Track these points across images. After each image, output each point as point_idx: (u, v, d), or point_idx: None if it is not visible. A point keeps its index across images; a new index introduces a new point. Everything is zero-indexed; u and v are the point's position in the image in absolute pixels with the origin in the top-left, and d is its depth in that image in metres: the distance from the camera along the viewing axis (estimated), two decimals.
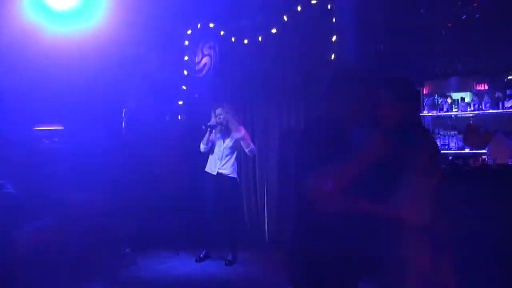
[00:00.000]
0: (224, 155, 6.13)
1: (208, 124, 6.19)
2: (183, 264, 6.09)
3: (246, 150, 6.20)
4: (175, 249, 6.66)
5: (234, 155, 6.23)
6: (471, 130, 5.63)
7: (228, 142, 6.13)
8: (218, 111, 6.12)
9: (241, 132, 6.13)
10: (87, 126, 6.80)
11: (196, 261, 6.18)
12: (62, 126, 6.64)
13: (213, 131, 6.16)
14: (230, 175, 6.14)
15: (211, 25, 7.41)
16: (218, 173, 6.13)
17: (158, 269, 5.93)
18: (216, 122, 6.13)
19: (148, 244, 6.83)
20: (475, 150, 5.99)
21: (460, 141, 6.28)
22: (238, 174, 6.31)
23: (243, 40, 7.13)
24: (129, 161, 6.22)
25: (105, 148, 6.88)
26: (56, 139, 6.50)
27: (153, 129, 7.39)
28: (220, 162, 6.14)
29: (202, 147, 6.26)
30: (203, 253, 6.24)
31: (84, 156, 6.80)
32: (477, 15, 6.27)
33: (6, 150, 4.92)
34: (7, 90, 5.65)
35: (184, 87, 7.61)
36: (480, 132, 5.60)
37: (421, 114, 6.49)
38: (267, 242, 6.96)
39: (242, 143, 6.15)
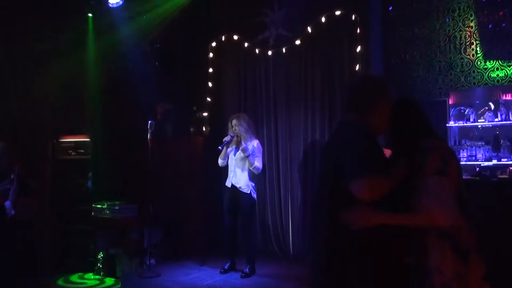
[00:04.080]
0: (235, 168, 6.01)
1: (224, 139, 5.99)
2: (207, 276, 6.06)
3: (250, 168, 5.93)
4: (200, 261, 6.66)
5: (247, 168, 5.97)
6: None
7: (238, 154, 5.99)
8: (234, 122, 6.03)
9: (243, 145, 5.92)
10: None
11: (221, 272, 6.13)
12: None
13: (228, 143, 6.02)
14: (243, 190, 5.94)
15: (235, 37, 7.48)
16: (232, 185, 6.00)
17: (182, 281, 5.89)
18: (231, 135, 5.99)
19: (172, 256, 6.86)
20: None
21: (487, 151, 6.17)
22: (254, 188, 6.05)
23: (268, 51, 7.20)
24: (154, 171, 6.26)
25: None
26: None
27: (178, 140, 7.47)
28: (232, 175, 6.02)
29: (220, 161, 6.15)
30: (228, 264, 6.21)
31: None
32: (503, 24, 6.22)
33: None
34: None
35: (208, 99, 7.66)
36: None
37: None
38: (292, 255, 6.92)
39: (248, 158, 5.88)
